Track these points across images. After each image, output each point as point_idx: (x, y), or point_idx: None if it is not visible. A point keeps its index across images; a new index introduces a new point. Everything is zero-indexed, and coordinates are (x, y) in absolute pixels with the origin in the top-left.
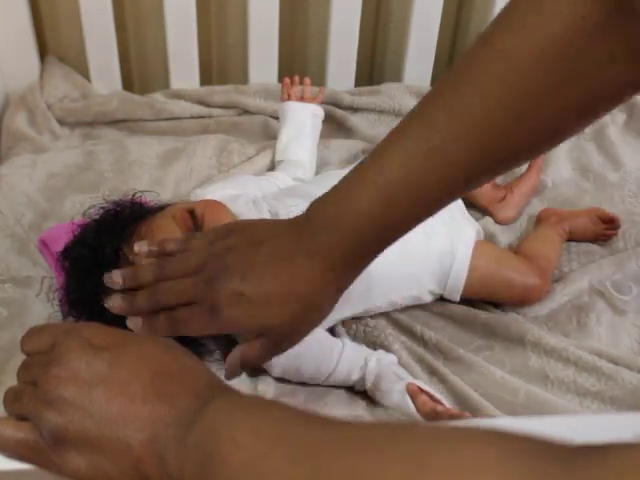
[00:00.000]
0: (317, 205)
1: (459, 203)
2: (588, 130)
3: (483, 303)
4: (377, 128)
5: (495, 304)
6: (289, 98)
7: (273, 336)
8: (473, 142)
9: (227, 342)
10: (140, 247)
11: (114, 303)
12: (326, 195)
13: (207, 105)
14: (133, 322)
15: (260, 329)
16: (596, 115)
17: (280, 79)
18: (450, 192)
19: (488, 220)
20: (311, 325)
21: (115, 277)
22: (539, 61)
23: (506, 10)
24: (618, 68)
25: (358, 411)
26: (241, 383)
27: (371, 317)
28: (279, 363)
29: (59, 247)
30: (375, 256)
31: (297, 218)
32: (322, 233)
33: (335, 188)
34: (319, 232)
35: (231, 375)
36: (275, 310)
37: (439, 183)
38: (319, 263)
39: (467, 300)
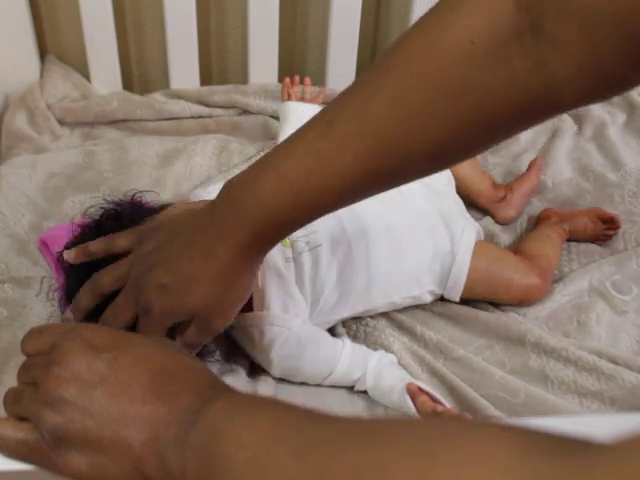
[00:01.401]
0: (227, 188)
1: (459, 203)
2: (588, 130)
3: (483, 303)
4: None
5: (495, 304)
6: (289, 98)
7: (203, 316)
8: (364, 148)
9: (227, 342)
10: (68, 255)
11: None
12: (236, 178)
13: (207, 105)
14: None
15: (189, 313)
16: (499, 134)
17: (280, 79)
18: (337, 196)
19: (488, 220)
20: (238, 300)
21: (66, 314)
22: (439, 72)
23: (422, 17)
24: (518, 89)
25: (358, 411)
26: (241, 383)
27: (371, 317)
28: (279, 363)
29: (59, 247)
30: (288, 233)
31: (211, 203)
32: (231, 217)
33: (244, 172)
34: (228, 216)
35: None
36: (198, 293)
37: (321, 188)
38: (231, 244)
39: (467, 300)
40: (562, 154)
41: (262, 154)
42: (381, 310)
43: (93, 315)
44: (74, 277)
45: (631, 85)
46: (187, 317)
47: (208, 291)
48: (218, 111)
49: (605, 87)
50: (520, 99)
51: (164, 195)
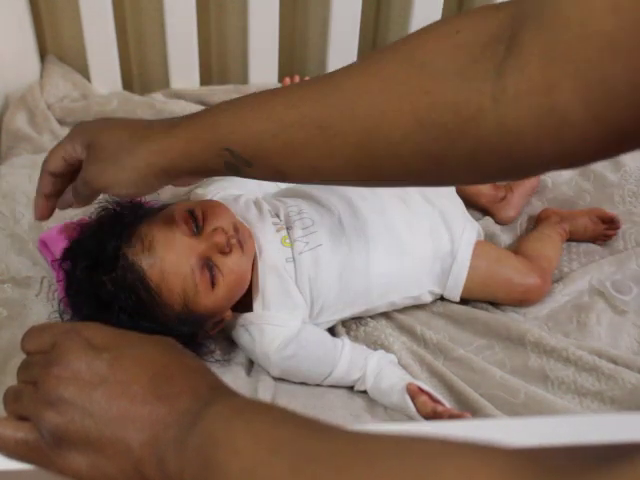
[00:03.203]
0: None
1: (459, 203)
2: None
3: (483, 303)
4: None
5: (495, 304)
6: None
7: None
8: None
9: (226, 342)
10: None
11: None
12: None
13: (207, 105)
14: None
15: None
16: (450, 160)
17: (280, 79)
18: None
19: (488, 220)
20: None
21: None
22: (416, 50)
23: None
24: (469, 97)
25: (358, 411)
26: (240, 383)
27: (371, 317)
28: (278, 363)
29: (59, 247)
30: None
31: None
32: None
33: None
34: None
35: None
36: None
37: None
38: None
39: (467, 300)
40: None
41: None
42: (381, 310)
43: (93, 315)
44: (75, 278)
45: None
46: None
47: None
48: None
49: (553, 124)
50: (469, 115)
51: (164, 195)
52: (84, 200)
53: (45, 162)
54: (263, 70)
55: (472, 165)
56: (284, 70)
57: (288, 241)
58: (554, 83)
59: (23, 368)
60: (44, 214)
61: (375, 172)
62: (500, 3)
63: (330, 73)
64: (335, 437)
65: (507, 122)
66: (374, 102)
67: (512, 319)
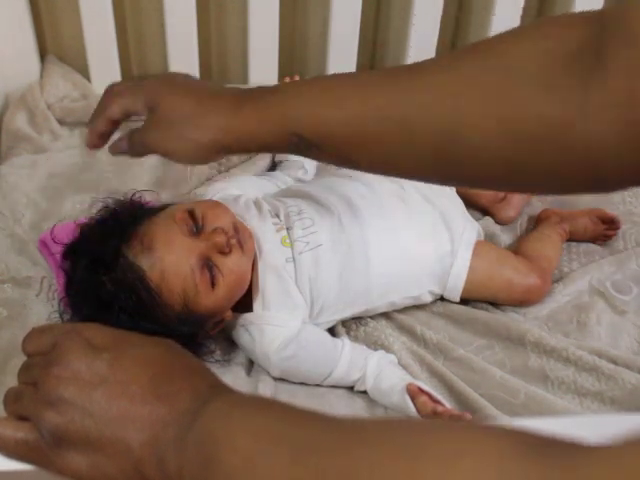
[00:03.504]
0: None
1: (459, 203)
2: None
3: (483, 303)
4: None
5: (495, 304)
6: None
7: None
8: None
9: (227, 342)
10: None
11: None
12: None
13: None
14: None
15: None
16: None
17: (280, 79)
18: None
19: (488, 220)
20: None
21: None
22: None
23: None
24: (547, 112)
25: (358, 411)
26: (240, 383)
27: (371, 317)
28: (278, 364)
29: (59, 247)
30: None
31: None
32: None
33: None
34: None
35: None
36: None
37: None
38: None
39: (467, 300)
40: None
41: (262, 154)
42: (381, 310)
43: (93, 316)
44: (75, 278)
45: None
46: None
47: None
48: None
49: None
50: (548, 130)
51: (164, 195)
52: (138, 155)
53: (105, 106)
54: (263, 70)
55: (554, 176)
56: (284, 70)
57: (288, 241)
58: (638, 97)
59: (24, 369)
60: (97, 146)
61: (451, 173)
62: (586, 12)
63: (407, 66)
64: (333, 425)
65: (592, 135)
66: (457, 103)
67: (512, 319)
